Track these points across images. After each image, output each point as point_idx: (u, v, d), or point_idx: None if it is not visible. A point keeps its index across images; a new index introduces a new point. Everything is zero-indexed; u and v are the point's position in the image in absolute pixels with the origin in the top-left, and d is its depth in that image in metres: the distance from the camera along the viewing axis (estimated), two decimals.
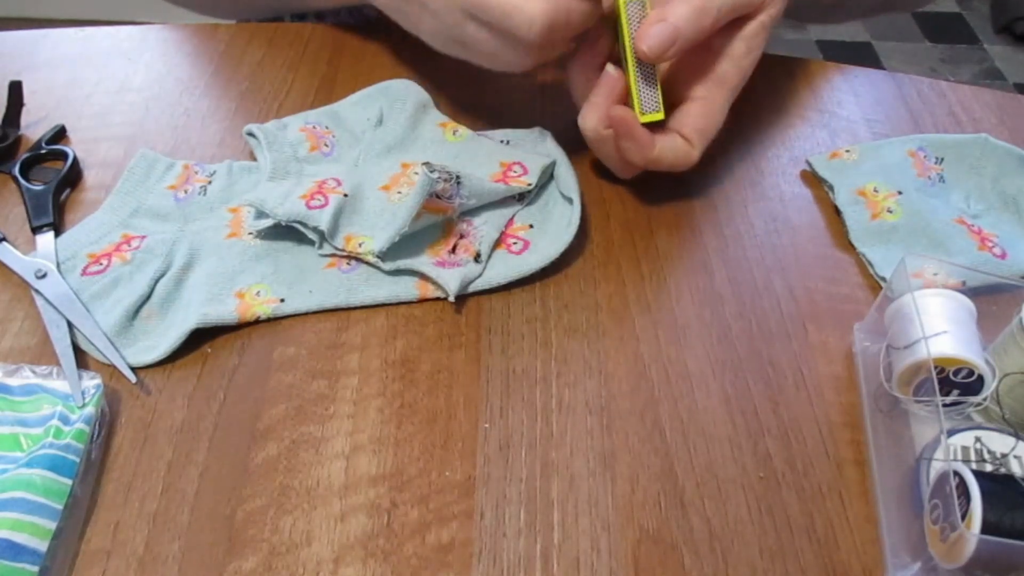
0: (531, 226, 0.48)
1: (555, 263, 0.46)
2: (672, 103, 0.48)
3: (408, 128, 0.52)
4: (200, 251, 0.46)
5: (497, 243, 0.47)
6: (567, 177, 0.49)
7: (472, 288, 0.45)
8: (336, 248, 0.46)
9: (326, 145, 0.51)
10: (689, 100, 0.48)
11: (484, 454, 0.39)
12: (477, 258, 0.46)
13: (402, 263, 0.45)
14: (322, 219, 0.45)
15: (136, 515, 0.37)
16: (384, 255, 0.45)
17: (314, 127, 0.52)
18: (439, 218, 0.46)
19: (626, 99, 0.47)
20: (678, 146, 0.48)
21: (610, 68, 0.46)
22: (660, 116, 0.46)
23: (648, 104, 0.46)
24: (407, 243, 0.45)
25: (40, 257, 0.45)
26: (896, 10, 0.70)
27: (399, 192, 0.48)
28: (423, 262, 0.45)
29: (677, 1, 0.44)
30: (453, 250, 0.46)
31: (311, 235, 0.46)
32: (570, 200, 0.48)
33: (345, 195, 0.46)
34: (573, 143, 0.51)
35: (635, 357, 0.43)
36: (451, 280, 0.44)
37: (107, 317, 0.43)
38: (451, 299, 0.44)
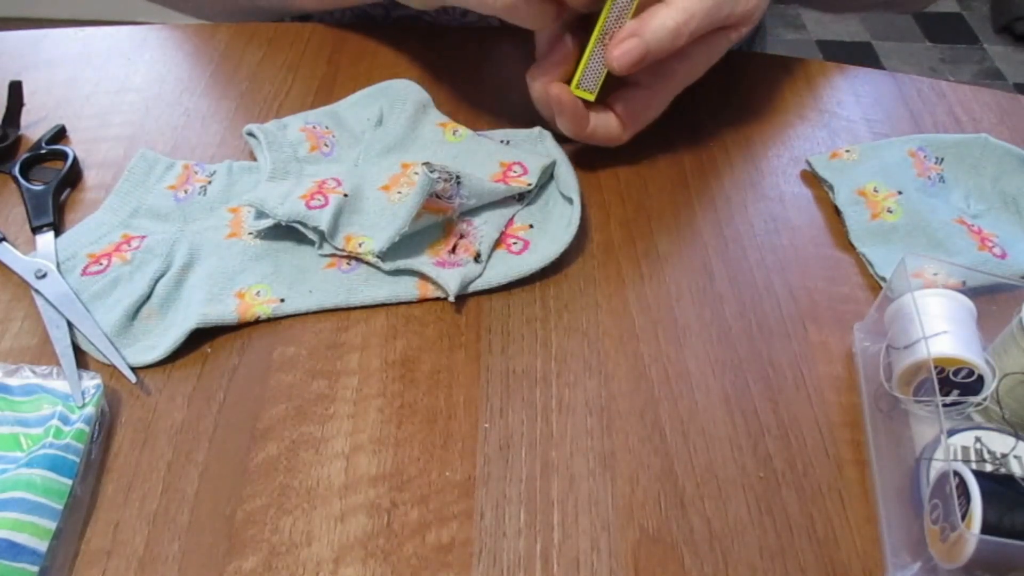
0: (531, 226, 0.48)
1: (555, 263, 0.46)
2: (617, 81, 0.48)
3: (408, 128, 0.52)
4: (200, 251, 0.46)
5: (497, 243, 0.47)
6: (567, 177, 0.49)
7: (472, 288, 0.45)
8: (336, 248, 0.46)
9: (326, 145, 0.51)
10: (634, 84, 0.49)
11: (484, 454, 0.39)
12: (477, 258, 0.46)
13: (402, 263, 0.45)
14: (322, 219, 0.45)
15: (136, 515, 0.37)
16: (384, 255, 0.45)
17: (314, 127, 0.52)
18: (439, 218, 0.46)
19: (573, 65, 0.48)
20: (611, 125, 0.50)
21: (568, 39, 0.47)
22: (591, 97, 0.48)
23: (587, 82, 0.47)
24: (407, 243, 0.45)
25: (40, 257, 0.45)
26: (896, 10, 0.70)
27: (399, 192, 0.48)
28: (423, 262, 0.45)
29: (656, 14, 0.44)
30: (453, 250, 0.46)
31: (311, 235, 0.46)
32: (570, 200, 0.48)
33: (345, 195, 0.46)
34: (573, 143, 0.51)
35: (635, 357, 0.43)
36: (451, 280, 0.44)
37: (107, 317, 0.43)
38: (451, 299, 0.44)
